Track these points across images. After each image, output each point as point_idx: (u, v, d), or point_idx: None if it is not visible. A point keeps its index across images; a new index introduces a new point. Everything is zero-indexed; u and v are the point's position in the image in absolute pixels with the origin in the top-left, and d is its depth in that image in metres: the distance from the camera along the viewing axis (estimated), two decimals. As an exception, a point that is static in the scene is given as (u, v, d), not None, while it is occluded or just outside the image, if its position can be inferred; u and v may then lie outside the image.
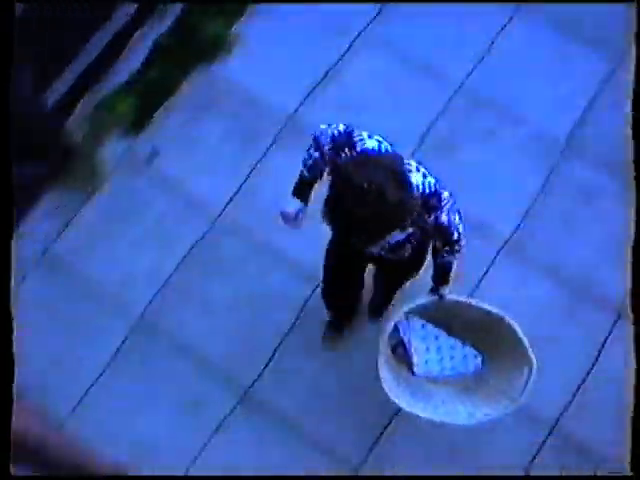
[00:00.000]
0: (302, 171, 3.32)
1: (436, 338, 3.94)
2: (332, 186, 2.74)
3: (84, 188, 4.86)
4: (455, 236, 3.17)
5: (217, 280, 4.66)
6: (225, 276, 4.67)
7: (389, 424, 4.33)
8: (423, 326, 3.89)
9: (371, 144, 3.00)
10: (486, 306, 3.66)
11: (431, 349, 3.93)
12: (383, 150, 2.99)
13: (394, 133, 3.27)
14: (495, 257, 4.64)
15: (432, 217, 3.03)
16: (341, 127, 3.09)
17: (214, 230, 4.76)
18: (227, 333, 4.55)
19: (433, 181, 3.01)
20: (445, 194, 3.02)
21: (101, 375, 4.48)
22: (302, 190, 3.37)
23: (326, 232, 3.23)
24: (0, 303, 0.90)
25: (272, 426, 4.37)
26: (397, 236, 3.07)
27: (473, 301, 3.71)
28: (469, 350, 3.95)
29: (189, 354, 4.50)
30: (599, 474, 4.18)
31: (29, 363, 4.45)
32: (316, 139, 3.17)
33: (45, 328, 4.56)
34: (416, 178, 2.96)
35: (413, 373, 3.94)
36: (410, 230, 3.07)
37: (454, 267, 3.45)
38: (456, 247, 3.25)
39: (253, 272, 4.68)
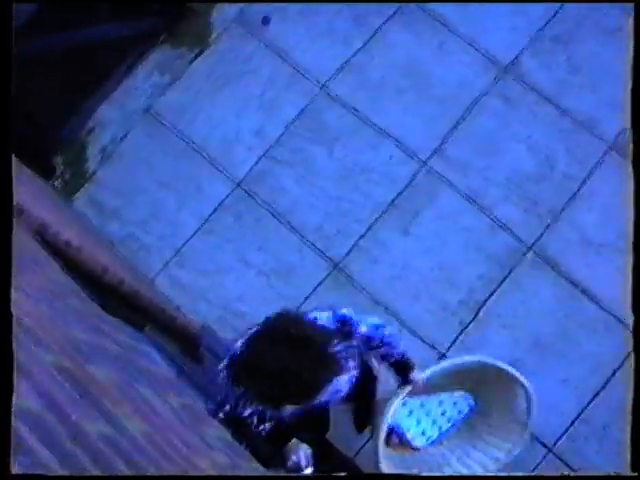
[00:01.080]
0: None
1: (421, 406, 3.85)
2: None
3: (194, 47, 4.87)
4: (382, 332, 3.12)
5: (320, 150, 4.66)
6: (329, 147, 4.66)
7: (475, 316, 4.34)
8: (404, 404, 3.74)
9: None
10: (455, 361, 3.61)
11: (421, 418, 3.85)
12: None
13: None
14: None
15: (355, 338, 3.00)
16: None
17: (320, 100, 4.73)
18: (325, 203, 4.56)
19: (328, 313, 2.97)
20: (345, 313, 3.00)
21: (195, 234, 4.58)
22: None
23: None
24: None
25: (360, 299, 4.40)
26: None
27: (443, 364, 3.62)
28: (457, 396, 3.87)
29: (285, 221, 4.54)
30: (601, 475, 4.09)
31: (124, 216, 4.58)
32: None
33: (143, 183, 4.67)
34: (322, 320, 2.93)
35: (417, 449, 3.86)
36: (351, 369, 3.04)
37: (403, 354, 3.35)
38: (390, 341, 3.19)
39: (357, 145, 4.65)
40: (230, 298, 4.33)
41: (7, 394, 0.75)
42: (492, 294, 4.34)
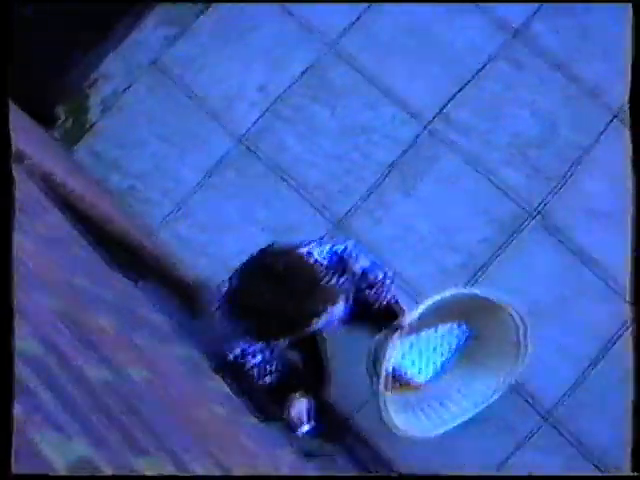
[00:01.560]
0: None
1: (411, 347, 3.79)
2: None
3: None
4: (377, 272, 3.09)
5: (324, 108, 4.63)
6: (331, 106, 4.63)
7: (474, 280, 4.34)
8: (394, 347, 3.60)
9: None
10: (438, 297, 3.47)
11: (414, 359, 3.81)
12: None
13: None
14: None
15: (352, 274, 3.00)
16: None
17: (326, 58, 4.69)
18: (326, 162, 4.54)
19: (323, 248, 2.97)
20: (349, 246, 3.02)
21: (196, 189, 4.56)
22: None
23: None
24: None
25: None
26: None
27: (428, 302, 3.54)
28: (443, 329, 3.83)
29: (286, 178, 4.52)
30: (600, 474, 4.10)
31: (124, 168, 4.57)
32: None
33: (144, 136, 4.64)
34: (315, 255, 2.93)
35: (418, 387, 3.83)
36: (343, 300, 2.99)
37: (396, 298, 3.35)
38: (383, 280, 3.19)
39: (361, 105, 4.62)
40: (230, 254, 4.29)
41: (7, 394, 0.74)
42: (493, 259, 4.33)
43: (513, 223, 4.37)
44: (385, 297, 3.27)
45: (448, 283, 4.21)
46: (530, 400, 4.14)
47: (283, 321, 2.59)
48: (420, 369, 3.84)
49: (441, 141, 4.52)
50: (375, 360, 3.40)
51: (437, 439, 3.73)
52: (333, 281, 2.91)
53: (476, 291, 3.58)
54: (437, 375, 3.87)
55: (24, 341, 0.98)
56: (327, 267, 2.91)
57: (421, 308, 3.42)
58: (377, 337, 3.43)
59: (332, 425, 3.86)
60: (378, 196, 4.47)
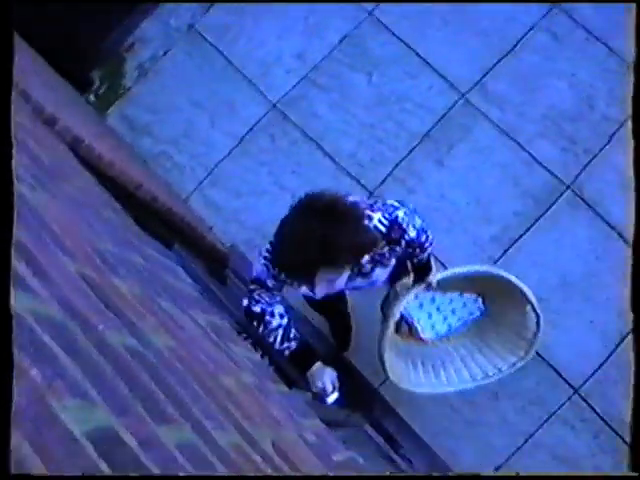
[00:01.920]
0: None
1: (432, 301, 3.82)
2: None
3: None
4: (424, 239, 3.07)
5: (359, 77, 4.59)
6: (368, 74, 4.59)
7: (505, 252, 4.30)
8: (416, 296, 3.69)
9: None
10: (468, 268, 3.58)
11: (432, 313, 3.83)
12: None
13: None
14: None
15: (405, 243, 2.96)
16: None
17: (365, 26, 4.64)
18: (360, 130, 4.52)
19: (380, 214, 2.90)
20: (399, 214, 2.92)
21: (229, 155, 4.55)
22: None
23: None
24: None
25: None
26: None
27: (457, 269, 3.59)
28: (467, 297, 3.84)
29: (319, 146, 4.50)
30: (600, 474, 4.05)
31: (156, 133, 4.56)
32: None
33: (178, 101, 4.63)
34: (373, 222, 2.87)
35: (424, 341, 3.84)
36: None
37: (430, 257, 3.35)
38: (427, 245, 3.16)
39: (397, 74, 4.59)
40: (262, 221, 4.29)
41: (6, 394, 0.73)
42: (526, 231, 4.29)
43: (547, 196, 4.32)
44: (422, 257, 3.27)
45: (481, 254, 4.19)
46: (560, 373, 4.11)
47: (333, 250, 2.56)
48: (433, 325, 3.86)
49: (476, 112, 4.47)
50: (393, 301, 3.46)
51: (465, 411, 3.72)
52: (383, 250, 2.91)
53: (506, 275, 3.57)
54: (446, 336, 3.88)
55: (45, 305, 0.97)
56: (380, 235, 2.89)
57: (450, 271, 3.53)
58: (403, 281, 3.49)
59: (359, 395, 3.86)
60: (411, 165, 4.44)
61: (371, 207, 2.93)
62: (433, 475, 4.00)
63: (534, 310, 3.58)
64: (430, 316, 3.86)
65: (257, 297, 2.95)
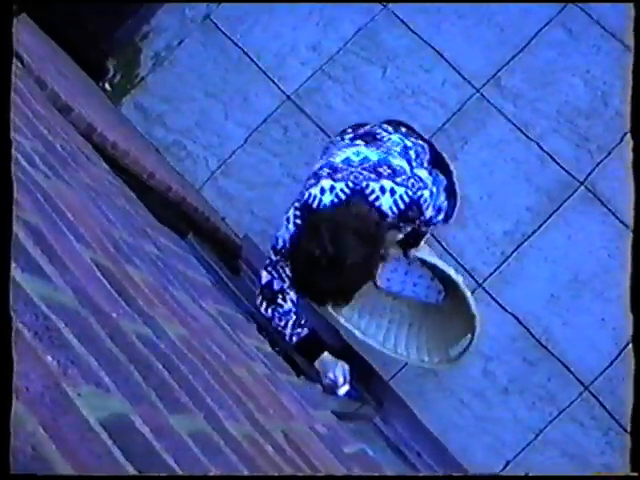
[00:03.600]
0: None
1: (408, 264, 3.80)
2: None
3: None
4: (439, 218, 3.02)
5: (374, 70, 4.58)
6: (383, 67, 4.58)
7: (518, 248, 4.29)
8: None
9: (327, 199, 2.80)
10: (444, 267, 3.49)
11: (399, 269, 3.82)
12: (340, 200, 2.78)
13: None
14: None
15: (417, 223, 2.92)
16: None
17: (380, 19, 4.63)
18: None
19: (403, 190, 2.81)
20: (424, 195, 2.85)
21: (242, 146, 4.55)
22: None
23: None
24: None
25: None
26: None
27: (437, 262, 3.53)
28: (435, 284, 3.81)
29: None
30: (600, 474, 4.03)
31: (169, 123, 4.56)
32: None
33: (192, 91, 4.63)
34: (385, 201, 2.77)
35: (377, 287, 3.82)
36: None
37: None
38: (436, 223, 3.17)
39: (412, 67, 4.57)
40: (275, 212, 4.28)
41: (5, 394, 0.73)
42: (539, 227, 4.27)
43: (560, 192, 4.30)
44: (422, 231, 3.24)
45: (493, 249, 4.18)
46: (571, 370, 4.10)
47: (344, 296, 2.60)
48: (390, 278, 3.86)
49: (490, 107, 4.46)
50: None
51: (475, 406, 3.72)
52: (399, 227, 2.88)
53: (470, 299, 3.47)
54: (394, 294, 3.88)
55: (60, 292, 0.97)
56: (396, 215, 2.84)
57: (433, 260, 3.49)
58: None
59: (369, 388, 3.87)
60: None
61: (394, 178, 2.86)
62: (431, 475, 4.00)
63: (470, 340, 3.49)
64: (395, 270, 3.85)
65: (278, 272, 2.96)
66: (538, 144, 4.36)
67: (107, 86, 4.73)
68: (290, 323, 2.98)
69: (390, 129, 3.33)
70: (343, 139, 3.37)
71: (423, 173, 3.06)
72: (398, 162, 2.98)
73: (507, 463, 4.03)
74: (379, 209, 2.76)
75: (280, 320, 2.97)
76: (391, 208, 2.81)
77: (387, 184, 2.82)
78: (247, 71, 4.63)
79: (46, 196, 1.20)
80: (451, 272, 3.48)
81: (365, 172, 2.85)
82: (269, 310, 2.98)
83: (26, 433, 0.68)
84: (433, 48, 4.55)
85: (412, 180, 2.88)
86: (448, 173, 3.52)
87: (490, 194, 4.34)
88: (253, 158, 4.52)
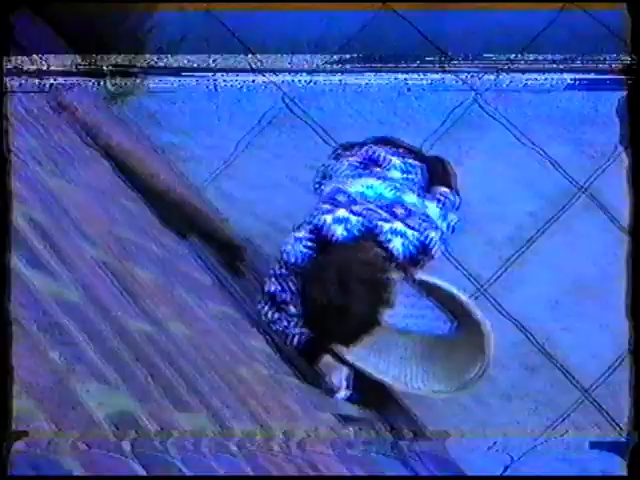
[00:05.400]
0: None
1: (407, 297, 3.68)
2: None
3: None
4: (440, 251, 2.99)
5: (372, 71, 4.58)
6: (379, 69, 4.58)
7: (519, 254, 4.30)
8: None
9: (340, 232, 2.74)
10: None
11: (400, 305, 3.70)
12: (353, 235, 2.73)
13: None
14: None
15: (420, 264, 2.86)
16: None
17: (380, 18, 4.63)
18: (368, 126, 4.50)
19: (413, 234, 2.77)
20: (433, 236, 2.80)
21: (245, 146, 4.54)
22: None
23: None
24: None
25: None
26: None
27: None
28: (441, 313, 3.70)
29: (335, 140, 4.48)
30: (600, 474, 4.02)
31: (172, 123, 4.56)
32: None
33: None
34: (395, 243, 2.72)
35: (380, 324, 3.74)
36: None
37: None
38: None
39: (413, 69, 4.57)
40: (277, 214, 4.27)
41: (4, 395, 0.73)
42: (541, 233, 4.27)
43: (562, 198, 4.29)
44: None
45: (494, 255, 4.18)
46: (572, 376, 4.09)
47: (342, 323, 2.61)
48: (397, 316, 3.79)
49: (492, 112, 4.45)
50: None
51: (476, 411, 3.71)
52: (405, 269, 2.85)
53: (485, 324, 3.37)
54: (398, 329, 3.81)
55: (66, 289, 0.97)
56: (404, 257, 2.81)
57: (432, 279, 3.37)
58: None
59: (371, 392, 3.86)
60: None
61: (406, 219, 2.81)
62: (431, 476, 3.98)
63: (485, 362, 3.37)
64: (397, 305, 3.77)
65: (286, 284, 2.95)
66: (541, 150, 4.36)
67: (109, 85, 4.73)
68: (292, 325, 2.97)
69: (388, 150, 3.27)
70: (342, 163, 3.34)
71: (433, 209, 3.03)
72: (410, 199, 2.96)
73: (506, 468, 4.03)
74: (389, 251, 2.74)
75: (282, 322, 2.96)
76: (400, 251, 2.80)
77: (400, 227, 2.81)
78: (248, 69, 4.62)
79: (52, 194, 1.20)
80: (461, 295, 3.39)
81: (381, 211, 2.84)
82: (272, 313, 2.97)
83: (34, 428, 0.68)
84: (435, 48, 4.55)
85: (425, 224, 2.86)
86: (448, 186, 3.48)
87: (491, 198, 4.33)
88: (255, 160, 4.50)
